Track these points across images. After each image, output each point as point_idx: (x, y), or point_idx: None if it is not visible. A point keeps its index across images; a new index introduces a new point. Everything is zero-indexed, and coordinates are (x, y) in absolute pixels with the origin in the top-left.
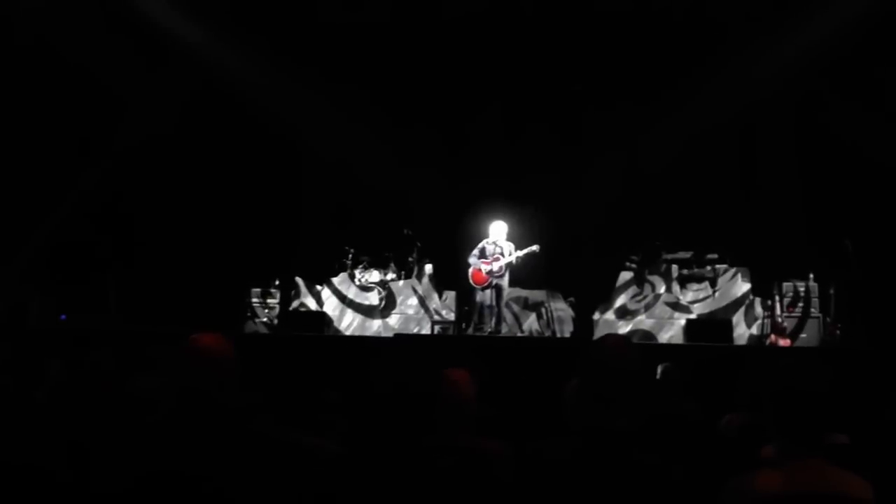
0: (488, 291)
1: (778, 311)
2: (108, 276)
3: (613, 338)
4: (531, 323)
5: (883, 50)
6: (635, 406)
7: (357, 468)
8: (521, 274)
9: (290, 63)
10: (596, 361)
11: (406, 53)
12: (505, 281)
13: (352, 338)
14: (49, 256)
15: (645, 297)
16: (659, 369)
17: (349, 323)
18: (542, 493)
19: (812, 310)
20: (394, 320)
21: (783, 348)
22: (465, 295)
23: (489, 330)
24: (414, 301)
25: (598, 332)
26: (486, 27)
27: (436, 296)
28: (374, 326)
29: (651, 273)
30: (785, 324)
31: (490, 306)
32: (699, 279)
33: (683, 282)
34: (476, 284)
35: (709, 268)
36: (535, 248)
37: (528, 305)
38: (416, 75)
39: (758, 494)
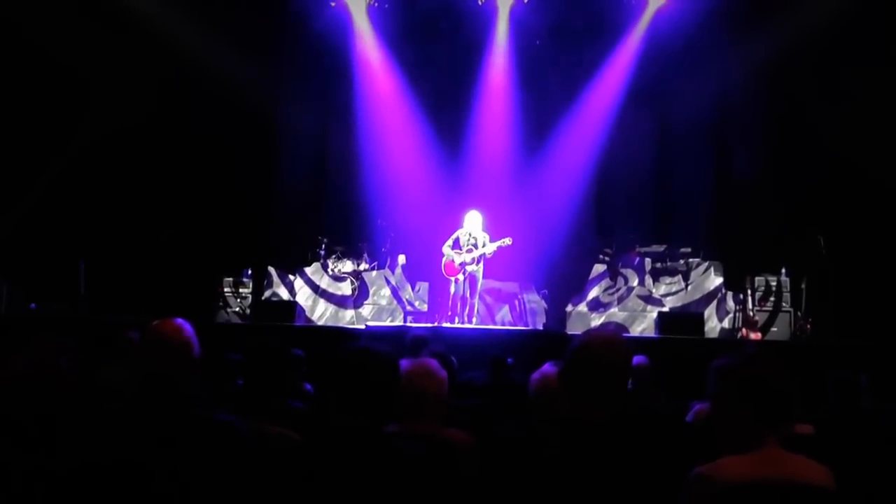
0: (462, 282)
1: (749, 305)
2: (79, 265)
3: (609, 332)
4: (504, 314)
5: (856, 48)
6: (615, 399)
7: (318, 456)
8: (494, 265)
9: (264, 51)
10: (589, 353)
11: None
12: (479, 272)
13: (323, 328)
14: (17, 244)
15: (618, 290)
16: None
17: (322, 313)
18: (507, 484)
19: (783, 304)
20: (366, 311)
21: (750, 341)
22: (439, 286)
23: (461, 321)
24: (387, 292)
25: (571, 325)
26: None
27: (409, 286)
28: (347, 317)
29: (624, 266)
30: (756, 318)
31: (463, 297)
32: (672, 272)
33: (656, 275)
34: (448, 275)
35: (682, 261)
36: (507, 240)
37: (502, 297)
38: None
39: (719, 483)
